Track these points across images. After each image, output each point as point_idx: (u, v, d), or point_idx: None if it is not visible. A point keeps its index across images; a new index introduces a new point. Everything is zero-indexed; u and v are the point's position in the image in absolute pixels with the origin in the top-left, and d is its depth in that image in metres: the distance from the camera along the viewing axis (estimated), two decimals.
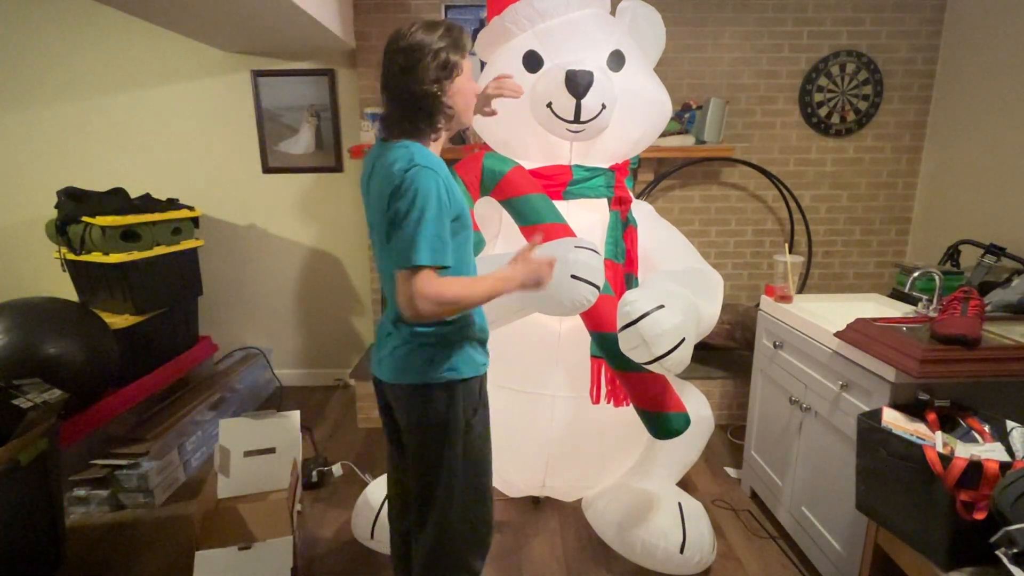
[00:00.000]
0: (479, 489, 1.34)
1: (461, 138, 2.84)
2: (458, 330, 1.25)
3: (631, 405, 1.73)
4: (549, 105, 1.69)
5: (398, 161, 1.14)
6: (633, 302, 1.43)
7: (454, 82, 1.18)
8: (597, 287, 1.47)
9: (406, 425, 1.29)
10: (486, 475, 1.36)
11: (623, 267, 1.79)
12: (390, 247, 1.14)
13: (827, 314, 1.80)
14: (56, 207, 2.48)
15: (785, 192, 2.98)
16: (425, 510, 1.31)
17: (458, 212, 1.19)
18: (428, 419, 1.25)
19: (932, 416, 1.35)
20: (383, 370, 1.29)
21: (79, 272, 2.54)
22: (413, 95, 1.16)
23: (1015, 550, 1.01)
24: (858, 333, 1.53)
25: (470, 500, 1.32)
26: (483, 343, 1.33)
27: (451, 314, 1.20)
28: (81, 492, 2.10)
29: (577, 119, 1.68)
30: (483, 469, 1.35)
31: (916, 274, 1.67)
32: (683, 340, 1.42)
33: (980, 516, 1.13)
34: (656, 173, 2.91)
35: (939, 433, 1.30)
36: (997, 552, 1.04)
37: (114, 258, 2.38)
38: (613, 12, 1.91)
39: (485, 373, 1.33)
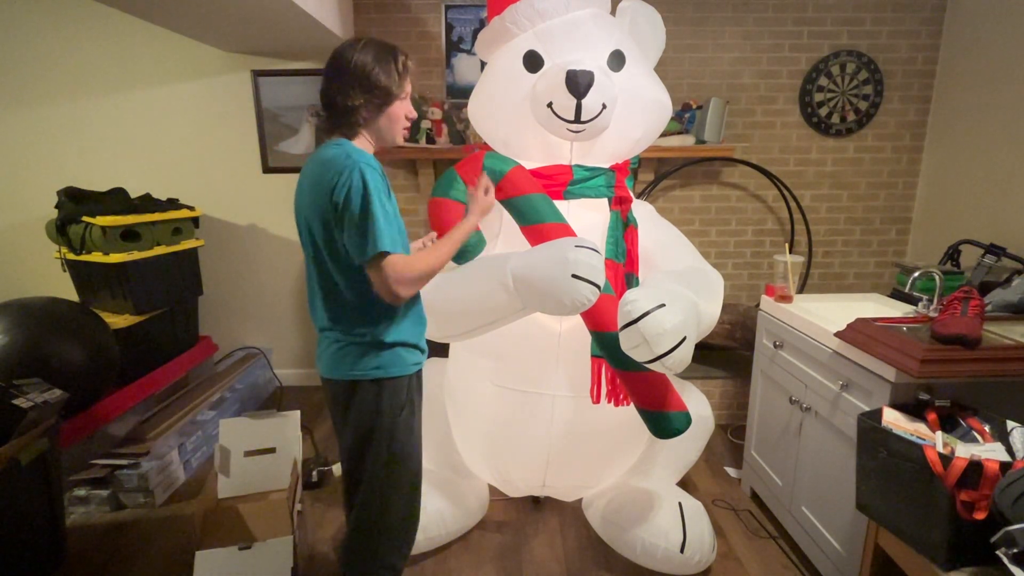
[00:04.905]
0: (402, 487, 1.36)
1: (461, 138, 2.84)
2: (388, 331, 1.28)
3: (631, 404, 1.73)
4: (549, 105, 1.69)
5: (335, 158, 1.18)
6: (634, 301, 1.43)
7: (386, 106, 1.26)
8: (598, 286, 1.47)
9: (338, 418, 1.35)
10: (412, 473, 1.38)
11: (623, 267, 1.79)
12: (343, 239, 1.18)
13: (827, 314, 1.80)
14: (56, 207, 2.48)
15: (785, 192, 2.98)
16: (349, 504, 1.36)
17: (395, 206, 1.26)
18: (355, 414, 1.29)
19: (932, 416, 1.35)
20: (323, 365, 1.33)
21: (79, 272, 2.54)
22: (338, 107, 1.23)
23: (1015, 550, 1.01)
24: (858, 333, 1.53)
25: (393, 498, 1.34)
26: (415, 345, 1.35)
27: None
28: (81, 492, 2.10)
29: (578, 119, 1.67)
30: (408, 467, 1.36)
31: (916, 274, 1.67)
32: (684, 339, 1.42)
33: (980, 516, 1.13)
34: (656, 173, 2.91)
35: (939, 433, 1.30)
36: (997, 552, 1.04)
37: (114, 258, 2.38)
38: (613, 12, 1.91)
39: (415, 373, 1.35)
